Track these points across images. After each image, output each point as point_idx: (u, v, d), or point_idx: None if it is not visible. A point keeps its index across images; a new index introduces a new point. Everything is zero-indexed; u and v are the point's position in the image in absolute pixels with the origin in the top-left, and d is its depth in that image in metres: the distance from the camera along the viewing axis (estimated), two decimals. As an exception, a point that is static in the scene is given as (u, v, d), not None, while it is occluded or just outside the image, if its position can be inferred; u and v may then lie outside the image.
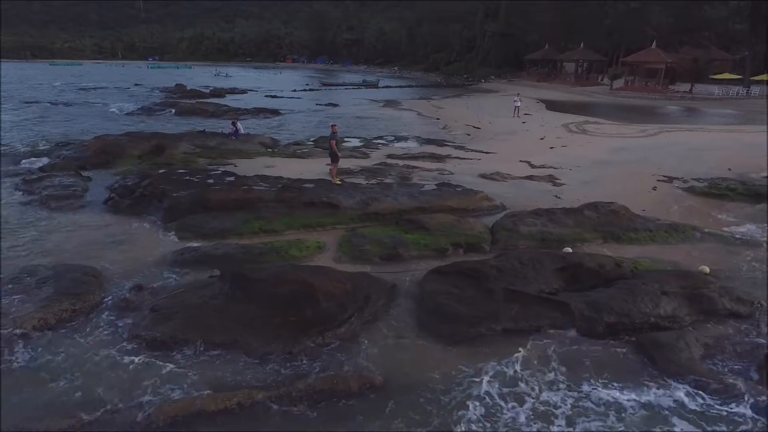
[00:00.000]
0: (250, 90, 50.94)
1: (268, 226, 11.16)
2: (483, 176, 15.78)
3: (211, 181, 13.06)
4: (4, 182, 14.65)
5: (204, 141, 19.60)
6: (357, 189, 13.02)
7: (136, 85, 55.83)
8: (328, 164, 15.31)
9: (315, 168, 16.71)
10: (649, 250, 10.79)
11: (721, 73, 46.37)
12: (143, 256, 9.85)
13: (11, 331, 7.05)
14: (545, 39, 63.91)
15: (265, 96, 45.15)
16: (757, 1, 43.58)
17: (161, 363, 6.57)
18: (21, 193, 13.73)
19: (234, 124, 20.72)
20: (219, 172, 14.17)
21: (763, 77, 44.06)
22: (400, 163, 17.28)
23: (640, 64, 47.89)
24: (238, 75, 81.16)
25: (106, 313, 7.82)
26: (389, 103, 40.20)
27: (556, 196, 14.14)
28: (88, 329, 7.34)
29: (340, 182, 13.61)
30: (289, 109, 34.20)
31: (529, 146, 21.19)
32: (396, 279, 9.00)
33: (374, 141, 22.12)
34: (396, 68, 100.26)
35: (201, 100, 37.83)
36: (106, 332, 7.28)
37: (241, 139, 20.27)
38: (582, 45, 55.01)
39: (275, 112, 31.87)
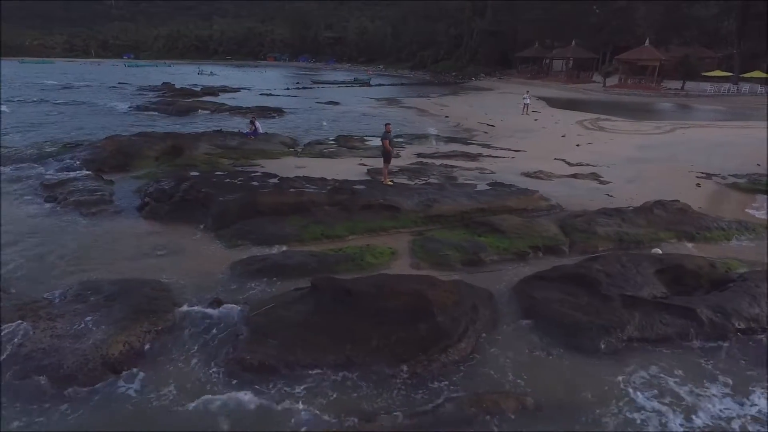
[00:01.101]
0: (243, 88, 49.60)
1: (330, 231, 10.47)
2: (527, 175, 15.36)
3: (255, 183, 12.25)
4: (22, 187, 13.54)
5: (224, 141, 18.66)
6: (411, 190, 12.42)
7: (121, 83, 53.80)
8: (360, 163, 14.72)
9: (350, 168, 16.04)
10: (728, 248, 10.51)
11: (712, 70, 47.30)
12: (205, 267, 9.05)
13: (97, 353, 6.24)
14: (535, 37, 64.24)
15: (260, 94, 43.98)
16: (746, 0, 44.60)
17: (276, 390, 5.86)
18: (43, 198, 12.67)
19: (253, 122, 19.82)
20: (259, 173, 13.34)
21: (753, 75, 45.11)
22: (437, 162, 16.73)
23: (634, 61, 48.47)
24: (222, 73, 79.23)
25: (190, 330, 7.04)
26: (390, 102, 39.59)
27: (607, 195, 13.81)
28: (180, 353, 6.56)
29: (391, 183, 12.97)
30: (292, 107, 33.26)
31: (555, 144, 20.91)
32: (487, 286, 8.46)
33: (395, 140, 21.44)
34: (382, 66, 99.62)
35: (197, 99, 36.49)
36: (201, 355, 6.52)
37: (261, 139, 19.39)
38: (573, 43, 55.40)
39: (279, 111, 30.91)
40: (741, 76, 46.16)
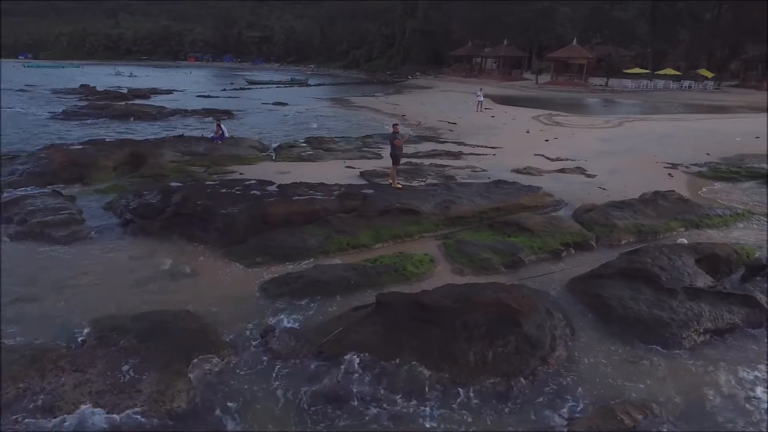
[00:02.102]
0: (174, 90, 46.29)
1: (355, 241, 9.77)
2: (517, 171, 15.45)
3: (256, 192, 11.17)
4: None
5: (189, 147, 17.06)
6: (422, 192, 11.94)
7: (28, 86, 48.14)
8: (348, 166, 14.03)
9: (339, 171, 15.27)
10: (731, 234, 11.11)
11: (630, 68, 51.31)
12: (231, 291, 8.05)
13: (160, 409, 5.20)
14: (467, 35, 66.08)
15: (197, 96, 41.30)
16: (658, 1, 48.81)
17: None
18: (-2, 222, 10.74)
19: (219, 126, 18.31)
20: (254, 181, 12.22)
21: (666, 72, 49.51)
22: (425, 162, 16.38)
23: (564, 59, 51.32)
24: (142, 74, 73.65)
25: (252, 364, 6.14)
26: (339, 102, 38.73)
27: (600, 188, 14.20)
28: (255, 392, 5.65)
29: (400, 186, 12.41)
30: (239, 109, 31.44)
31: (525, 140, 21.36)
32: (538, 287, 8.23)
33: (367, 140, 20.86)
34: (313, 66, 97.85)
35: (131, 103, 33.44)
36: (282, 391, 5.66)
37: (229, 143, 17.98)
38: (505, 42, 57.63)
39: (229, 114, 29.07)
40: (656, 72, 50.44)
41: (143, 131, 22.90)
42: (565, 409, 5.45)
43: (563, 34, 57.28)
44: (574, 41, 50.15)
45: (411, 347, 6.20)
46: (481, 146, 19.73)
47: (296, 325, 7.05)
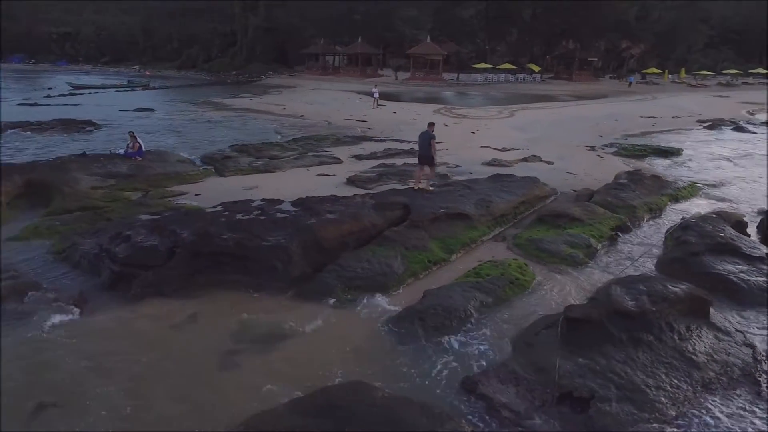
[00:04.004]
0: (-24, 98, 36.08)
1: (432, 256, 8.73)
2: (488, 164, 15.66)
3: (280, 216, 9.08)
4: None
5: (107, 167, 13.31)
6: (450, 194, 11.16)
7: None
8: (321, 174, 12.62)
9: (314, 180, 13.63)
10: (697, 204, 12.81)
11: (479, 63, 56.65)
12: (355, 340, 6.51)
13: None
14: (318, 33, 65.12)
15: (19, 104, 32.96)
16: (490, 2, 54.61)
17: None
18: None
19: (135, 138, 14.60)
20: (259, 203, 9.95)
21: (505, 66, 55.91)
22: (398, 162, 15.53)
23: (421, 55, 54.11)
24: None
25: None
26: (209, 105, 34.47)
27: (569, 173, 15.18)
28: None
29: (431, 189, 11.42)
30: (102, 119, 25.87)
31: (453, 133, 21.79)
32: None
33: (305, 144, 18.83)
34: (138, 67, 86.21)
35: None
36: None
37: (152, 159, 14.54)
38: (360, 39, 58.39)
39: (91, 124, 23.75)
40: (497, 67, 56.59)
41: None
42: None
43: (410, 33, 60.36)
44: (428, 39, 53.29)
45: (641, 366, 5.63)
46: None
47: (484, 364, 5.90)
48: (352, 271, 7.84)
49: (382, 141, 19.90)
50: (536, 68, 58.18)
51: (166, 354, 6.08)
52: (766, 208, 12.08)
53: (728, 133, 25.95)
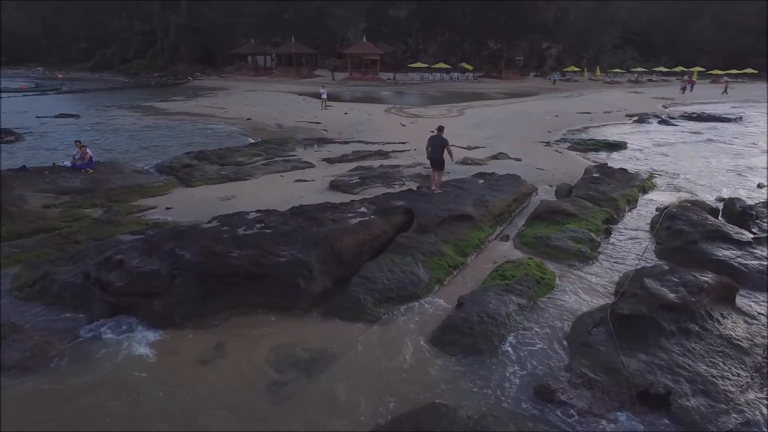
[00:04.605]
0: None
1: (450, 260, 8.53)
2: (462, 163, 15.72)
3: (285, 226, 8.44)
4: None
5: (56, 182, 11.75)
6: (445, 195, 11.00)
7: None
8: (299, 179, 12.13)
9: (294, 187, 13.04)
10: (661, 194, 13.69)
11: (415, 63, 57.34)
12: (402, 360, 6.15)
13: None
14: (248, 33, 62.69)
15: None
16: (422, 2, 55.47)
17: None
18: None
19: (85, 149, 13.01)
20: (256, 215, 9.17)
21: (440, 65, 57.08)
22: (374, 164, 15.17)
23: (358, 55, 53.77)
24: None
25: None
26: (142, 110, 31.89)
27: (539, 168, 15.64)
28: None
29: (439, 191, 11.19)
30: (18, 127, 23.01)
31: (412, 132, 21.73)
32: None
33: (268, 149, 17.78)
34: (42, 68, 78.31)
35: None
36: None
37: (106, 171, 13.07)
38: (293, 39, 56.95)
39: (10, 133, 21.02)
40: (432, 66, 57.63)
41: None
42: None
43: (343, 33, 59.94)
44: (364, 38, 53.13)
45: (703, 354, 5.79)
46: (389, 143, 19.28)
47: (547, 370, 5.79)
48: (380, 283, 7.45)
49: (346, 143, 19.41)
50: (469, 67, 60.03)
51: (207, 393, 5.37)
52: (722, 195, 13.17)
53: (656, 125, 28.13)
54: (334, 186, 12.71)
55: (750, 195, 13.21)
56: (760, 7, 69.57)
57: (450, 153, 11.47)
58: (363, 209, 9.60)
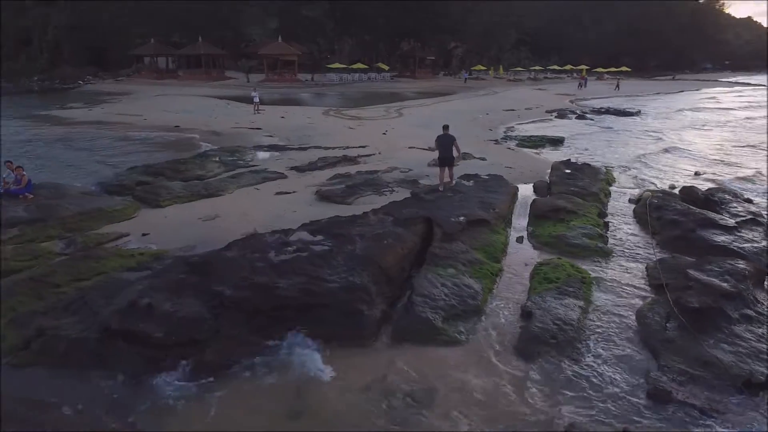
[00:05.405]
0: None
1: (491, 268, 8.46)
2: (435, 165, 15.64)
3: (317, 248, 7.73)
4: None
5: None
6: (447, 200, 10.88)
7: None
8: (280, 191, 11.50)
9: (279, 201, 12.06)
10: (624, 185, 14.78)
11: (333, 63, 56.52)
12: (500, 385, 5.89)
13: None
14: (147, 33, 57.42)
15: None
16: (337, 2, 54.83)
17: None
18: None
19: (21, 170, 10.89)
20: (275, 237, 8.28)
21: (358, 66, 56.95)
22: (351, 171, 14.57)
23: (275, 56, 51.68)
24: None
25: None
26: (45, 120, 27.76)
27: (507, 167, 16.11)
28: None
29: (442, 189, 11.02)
30: None
31: (365, 135, 21.37)
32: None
33: (223, 159, 16.35)
34: None
35: None
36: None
37: (47, 195, 11.13)
38: (200, 39, 53.29)
39: None
40: (350, 67, 57.33)
41: None
42: None
43: (253, 32, 57.55)
44: (279, 38, 51.26)
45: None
46: (349, 147, 18.72)
47: (642, 371, 5.86)
48: (440, 299, 7.10)
49: (303, 149, 18.47)
50: (385, 67, 60.63)
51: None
52: (674, 183, 14.52)
53: (575, 120, 30.48)
54: (324, 197, 12.02)
55: (693, 183, 14.69)
56: (632, 9, 78.89)
57: (458, 149, 11.87)
58: (382, 221, 9.15)
